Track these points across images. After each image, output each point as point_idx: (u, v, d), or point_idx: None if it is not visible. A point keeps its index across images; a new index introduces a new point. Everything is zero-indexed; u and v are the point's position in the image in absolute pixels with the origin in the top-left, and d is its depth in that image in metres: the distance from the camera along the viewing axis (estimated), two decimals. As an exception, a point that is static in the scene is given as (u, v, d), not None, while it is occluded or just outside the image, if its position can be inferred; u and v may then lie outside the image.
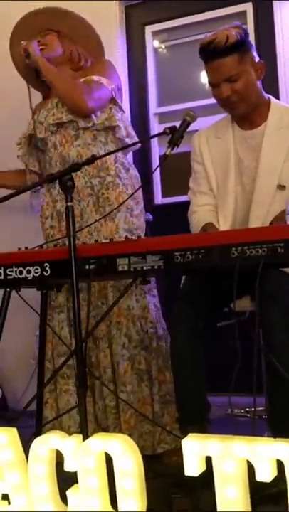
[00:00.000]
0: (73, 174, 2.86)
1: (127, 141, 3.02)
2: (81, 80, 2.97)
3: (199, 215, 2.67)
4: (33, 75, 3.15)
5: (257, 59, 2.56)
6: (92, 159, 2.34)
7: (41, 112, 3.04)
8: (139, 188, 2.92)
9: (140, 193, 3.03)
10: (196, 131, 2.79)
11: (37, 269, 2.31)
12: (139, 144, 3.10)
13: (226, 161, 2.64)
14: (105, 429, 2.86)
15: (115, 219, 2.90)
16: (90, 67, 3.12)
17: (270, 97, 2.67)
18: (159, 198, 4.09)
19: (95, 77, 2.96)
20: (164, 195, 4.09)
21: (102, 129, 2.97)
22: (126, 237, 2.45)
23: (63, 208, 2.87)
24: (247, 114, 2.60)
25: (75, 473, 1.87)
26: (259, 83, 2.59)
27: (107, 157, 2.92)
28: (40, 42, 3.03)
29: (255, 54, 2.56)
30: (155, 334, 2.88)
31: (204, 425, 2.38)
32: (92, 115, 2.92)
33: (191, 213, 2.73)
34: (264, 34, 3.85)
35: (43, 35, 3.07)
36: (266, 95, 2.64)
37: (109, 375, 2.85)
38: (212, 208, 2.68)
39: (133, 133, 3.08)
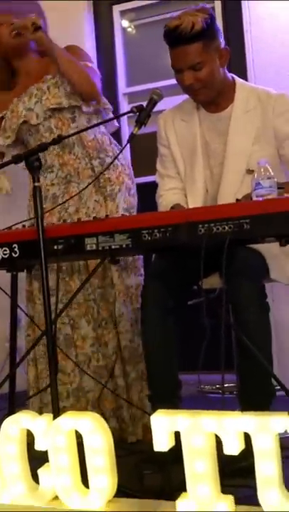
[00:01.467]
0: (72, 157, 2.90)
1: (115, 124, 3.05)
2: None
3: (166, 198, 2.67)
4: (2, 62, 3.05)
5: (223, 45, 2.53)
6: (58, 139, 2.32)
7: (23, 99, 2.95)
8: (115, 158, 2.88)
9: (132, 172, 3.06)
10: (164, 111, 2.78)
11: (5, 250, 2.31)
12: (116, 124, 3.10)
13: (192, 144, 2.64)
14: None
15: (116, 199, 2.92)
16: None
17: (235, 77, 2.65)
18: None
19: (88, 63, 2.94)
20: (135, 175, 4.07)
21: (94, 112, 2.96)
22: (94, 217, 2.45)
23: (59, 191, 2.91)
24: (210, 100, 2.59)
25: (46, 453, 1.88)
26: (223, 69, 2.56)
27: (104, 139, 2.95)
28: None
29: (221, 40, 2.52)
30: None
31: (175, 403, 2.40)
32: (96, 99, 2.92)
33: (158, 197, 2.74)
34: (232, 32, 3.83)
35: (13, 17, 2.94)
36: (230, 76, 2.62)
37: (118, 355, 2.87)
38: (179, 191, 2.68)
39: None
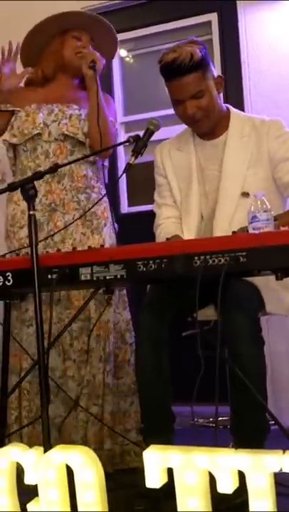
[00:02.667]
0: (60, 187, 2.90)
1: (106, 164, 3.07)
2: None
3: (164, 228, 2.68)
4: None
5: (216, 73, 2.58)
6: (55, 167, 2.31)
7: (43, 111, 2.95)
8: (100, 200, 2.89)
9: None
10: (161, 140, 2.79)
11: (-1, 278, 2.29)
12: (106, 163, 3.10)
13: (188, 171, 2.66)
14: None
15: (102, 232, 2.93)
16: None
17: (229, 106, 2.70)
18: (125, 207, 4.08)
19: (115, 122, 3.01)
20: (129, 205, 4.08)
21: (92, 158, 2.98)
22: (89, 246, 2.43)
23: (43, 218, 2.89)
24: (210, 130, 2.62)
25: (35, 487, 1.85)
26: (219, 97, 2.61)
27: (91, 176, 2.96)
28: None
29: (213, 68, 2.58)
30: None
31: (169, 436, 2.37)
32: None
33: (157, 226, 2.74)
34: (229, 44, 3.88)
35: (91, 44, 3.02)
36: (224, 106, 2.67)
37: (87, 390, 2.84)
38: (177, 220, 2.68)
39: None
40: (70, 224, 2.77)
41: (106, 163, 3.09)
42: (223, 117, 2.63)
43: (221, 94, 2.64)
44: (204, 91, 2.51)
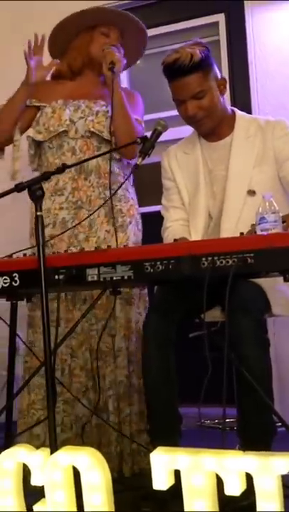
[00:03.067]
0: (87, 183, 2.87)
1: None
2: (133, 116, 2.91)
3: (171, 231, 2.68)
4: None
5: (219, 75, 2.59)
6: (62, 168, 2.31)
7: (69, 107, 2.93)
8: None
9: None
10: (168, 141, 2.79)
11: (6, 279, 2.28)
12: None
13: (195, 174, 2.67)
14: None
15: (127, 230, 2.90)
16: (125, 92, 3.00)
17: (234, 109, 2.72)
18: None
19: (142, 123, 2.98)
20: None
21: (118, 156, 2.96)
22: (96, 247, 2.43)
23: (69, 216, 2.86)
24: (213, 129, 2.64)
25: (42, 488, 1.84)
26: (223, 99, 2.62)
27: (118, 172, 2.93)
28: (119, 48, 2.95)
29: (217, 70, 2.59)
30: None
31: (176, 438, 2.37)
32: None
33: (164, 230, 2.74)
34: (236, 44, 3.87)
35: (119, 43, 2.99)
36: (229, 109, 2.69)
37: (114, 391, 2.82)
38: (185, 222, 2.69)
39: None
40: (86, 218, 2.76)
41: (133, 162, 3.01)
42: (227, 119, 2.65)
43: (226, 97, 2.65)
44: (205, 91, 2.53)
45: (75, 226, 2.80)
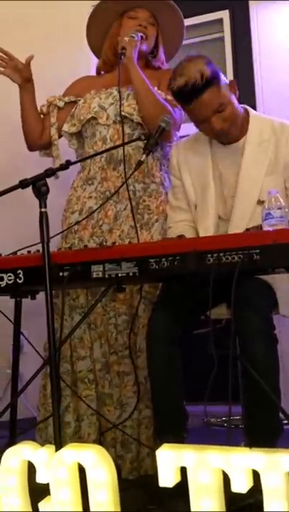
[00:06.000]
0: (115, 174, 2.83)
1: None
2: (164, 96, 2.84)
3: (174, 231, 2.64)
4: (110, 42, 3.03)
5: (226, 79, 2.51)
6: (65, 165, 2.30)
7: (100, 96, 2.91)
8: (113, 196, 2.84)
9: None
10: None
11: (10, 276, 2.27)
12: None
13: (204, 175, 2.61)
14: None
15: (152, 229, 2.82)
16: (162, 73, 2.97)
17: (247, 108, 2.63)
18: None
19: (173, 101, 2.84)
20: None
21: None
22: (100, 243, 2.42)
23: (96, 205, 2.80)
24: (238, 136, 2.56)
25: (47, 485, 1.83)
26: (236, 98, 2.54)
27: (154, 163, 2.87)
28: (143, 27, 2.92)
29: (223, 75, 2.50)
30: None
31: (181, 435, 2.36)
32: None
33: (167, 229, 2.72)
34: (241, 41, 3.87)
35: (148, 23, 2.96)
36: (241, 108, 2.58)
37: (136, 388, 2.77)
38: (189, 223, 2.65)
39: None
40: (78, 222, 2.74)
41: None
42: (240, 120, 2.55)
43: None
44: (225, 102, 2.44)
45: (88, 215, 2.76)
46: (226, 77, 2.52)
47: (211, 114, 2.44)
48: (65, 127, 2.99)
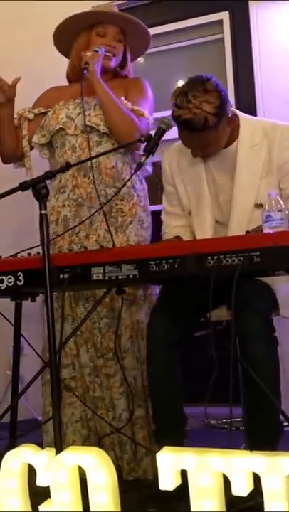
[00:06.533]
0: (86, 180, 2.84)
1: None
2: (130, 107, 2.88)
3: (167, 235, 2.66)
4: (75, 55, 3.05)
5: (231, 112, 2.46)
6: (66, 167, 2.31)
7: (68, 106, 2.94)
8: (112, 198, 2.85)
9: (149, 204, 3.01)
10: (172, 140, 2.76)
11: (10, 278, 2.27)
12: (149, 170, 3.01)
13: (198, 180, 2.61)
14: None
15: (126, 231, 2.85)
16: (129, 82, 3.04)
17: (237, 112, 2.58)
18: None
19: (145, 112, 2.92)
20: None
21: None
22: (100, 246, 2.42)
23: (70, 213, 2.84)
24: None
25: (47, 488, 1.83)
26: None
27: (124, 168, 2.90)
28: (112, 47, 2.96)
29: (229, 107, 2.44)
30: None
31: (180, 438, 2.35)
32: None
33: (162, 234, 2.73)
34: (240, 42, 3.86)
35: (116, 41, 3.00)
36: (231, 114, 2.52)
37: (125, 388, 2.79)
38: (183, 228, 2.65)
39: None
40: (82, 222, 2.75)
41: (149, 169, 3.01)
42: (232, 127, 2.52)
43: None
44: (212, 142, 2.44)
45: (76, 226, 2.78)
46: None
47: (195, 147, 2.47)
48: (35, 138, 3.02)
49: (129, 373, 2.76)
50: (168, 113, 2.54)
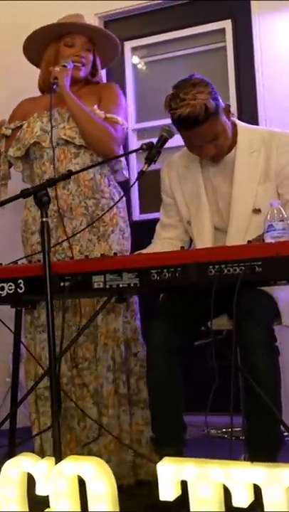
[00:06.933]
0: (67, 192, 2.86)
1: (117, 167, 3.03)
2: (103, 116, 2.90)
3: (152, 245, 2.67)
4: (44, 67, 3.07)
5: (222, 103, 2.49)
6: (68, 174, 2.31)
7: (42, 119, 2.95)
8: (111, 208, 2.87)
9: (127, 216, 3.03)
10: (174, 148, 2.77)
11: (11, 285, 2.27)
12: (126, 175, 3.07)
13: (197, 189, 2.62)
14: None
15: (108, 240, 2.87)
16: (102, 88, 3.07)
17: (235, 121, 2.62)
18: (136, 215, 4.06)
19: (119, 119, 2.93)
20: (142, 212, 4.06)
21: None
22: (102, 254, 2.41)
23: (52, 224, 2.84)
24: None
25: (47, 498, 1.83)
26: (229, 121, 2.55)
27: (102, 180, 2.91)
28: (80, 57, 2.98)
29: (220, 98, 2.48)
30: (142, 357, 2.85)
31: (180, 447, 2.34)
32: None
33: (152, 242, 2.74)
34: (243, 51, 3.85)
35: (84, 50, 3.01)
36: (229, 122, 2.56)
37: (97, 398, 2.80)
38: (174, 241, 2.65)
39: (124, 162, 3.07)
40: (79, 232, 2.77)
41: (126, 174, 3.06)
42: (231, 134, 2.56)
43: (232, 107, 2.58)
44: (220, 132, 2.45)
45: (62, 241, 2.80)
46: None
47: (205, 143, 2.46)
48: (11, 151, 3.03)
49: (98, 381, 2.80)
50: (170, 120, 2.55)
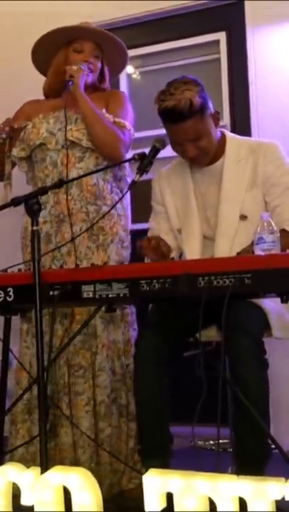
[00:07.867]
0: (69, 197, 2.84)
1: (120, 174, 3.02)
2: (112, 119, 2.90)
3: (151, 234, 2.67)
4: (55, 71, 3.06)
5: (213, 108, 2.54)
6: (59, 183, 2.31)
7: (48, 120, 2.94)
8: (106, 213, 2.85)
9: (130, 224, 3.03)
10: (166, 158, 2.77)
11: (0, 293, 2.26)
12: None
13: (187, 197, 2.65)
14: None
15: (108, 249, 2.86)
16: (109, 95, 3.07)
17: (224, 131, 2.68)
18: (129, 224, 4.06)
19: (127, 124, 2.94)
20: (134, 221, 4.06)
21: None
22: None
23: (52, 229, 2.85)
24: (207, 164, 2.62)
25: (32, 508, 1.82)
26: (215, 129, 2.58)
27: (104, 186, 2.90)
28: (89, 63, 2.98)
29: (211, 105, 2.54)
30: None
31: (166, 458, 2.33)
32: None
33: None
34: (237, 63, 3.86)
35: (93, 57, 3.02)
36: (219, 132, 2.63)
37: (91, 407, 2.78)
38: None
39: (128, 169, 3.06)
40: (74, 238, 2.75)
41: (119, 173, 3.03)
42: (218, 143, 2.61)
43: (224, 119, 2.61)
44: (203, 133, 2.49)
45: (59, 247, 2.80)
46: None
47: (187, 141, 2.49)
48: (14, 152, 3.01)
49: (102, 391, 2.77)
50: (163, 131, 2.56)
